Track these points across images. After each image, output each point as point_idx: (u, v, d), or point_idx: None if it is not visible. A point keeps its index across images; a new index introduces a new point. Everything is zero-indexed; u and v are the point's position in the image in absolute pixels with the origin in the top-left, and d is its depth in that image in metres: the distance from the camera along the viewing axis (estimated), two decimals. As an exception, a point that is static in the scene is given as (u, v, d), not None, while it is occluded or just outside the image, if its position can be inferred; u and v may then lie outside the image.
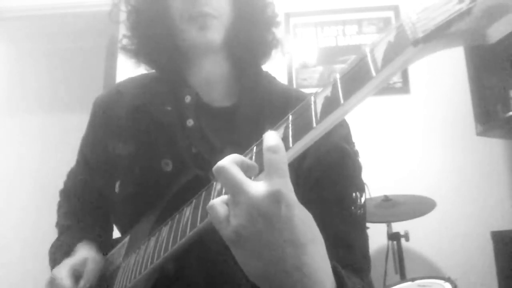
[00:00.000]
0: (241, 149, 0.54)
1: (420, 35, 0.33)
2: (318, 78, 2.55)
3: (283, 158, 0.44)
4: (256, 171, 0.49)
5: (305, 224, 0.44)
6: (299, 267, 0.43)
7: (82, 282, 0.75)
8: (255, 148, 0.51)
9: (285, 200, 0.42)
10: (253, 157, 0.50)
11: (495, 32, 0.30)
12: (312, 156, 0.75)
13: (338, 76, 0.43)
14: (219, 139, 0.79)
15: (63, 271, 0.76)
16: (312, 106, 0.44)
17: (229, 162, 0.46)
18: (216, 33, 0.78)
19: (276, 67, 0.92)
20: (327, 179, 0.76)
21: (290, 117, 0.47)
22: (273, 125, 0.51)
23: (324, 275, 0.45)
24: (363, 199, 0.78)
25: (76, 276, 0.76)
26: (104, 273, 0.81)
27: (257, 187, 0.43)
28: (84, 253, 0.80)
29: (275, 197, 0.42)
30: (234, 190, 0.44)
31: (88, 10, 2.74)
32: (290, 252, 0.43)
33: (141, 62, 0.87)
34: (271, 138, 0.45)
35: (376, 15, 2.61)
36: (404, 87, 2.49)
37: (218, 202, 0.47)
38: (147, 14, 0.82)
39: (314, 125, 0.42)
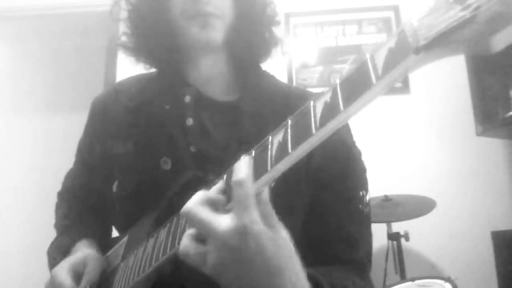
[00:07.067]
0: (246, 145, 0.54)
1: (422, 42, 0.32)
2: (318, 78, 2.55)
3: (248, 190, 0.45)
4: (223, 202, 0.50)
5: (275, 251, 0.46)
6: None
7: (83, 283, 0.74)
8: (253, 151, 0.50)
9: (251, 232, 0.44)
10: (253, 159, 0.49)
11: (499, 41, 0.29)
12: (320, 155, 0.75)
13: (337, 81, 0.42)
14: (222, 135, 0.79)
15: (63, 270, 0.75)
16: (312, 112, 0.43)
17: (195, 204, 0.48)
18: (217, 32, 0.78)
19: (276, 67, 0.92)
20: (335, 179, 0.77)
21: (289, 121, 0.46)
22: (275, 122, 0.50)
23: None
24: (368, 198, 0.79)
25: (77, 275, 0.75)
26: (103, 273, 0.80)
27: (224, 223, 0.45)
28: (84, 251, 0.80)
29: (240, 231, 0.44)
30: (204, 230, 0.47)
31: (88, 10, 2.73)
32: (264, 280, 0.46)
33: (140, 60, 0.86)
34: (240, 170, 0.47)
35: (376, 15, 2.61)
36: (404, 87, 2.48)
37: (191, 247, 0.49)
38: (147, 11, 0.82)
39: (314, 131, 0.41)
